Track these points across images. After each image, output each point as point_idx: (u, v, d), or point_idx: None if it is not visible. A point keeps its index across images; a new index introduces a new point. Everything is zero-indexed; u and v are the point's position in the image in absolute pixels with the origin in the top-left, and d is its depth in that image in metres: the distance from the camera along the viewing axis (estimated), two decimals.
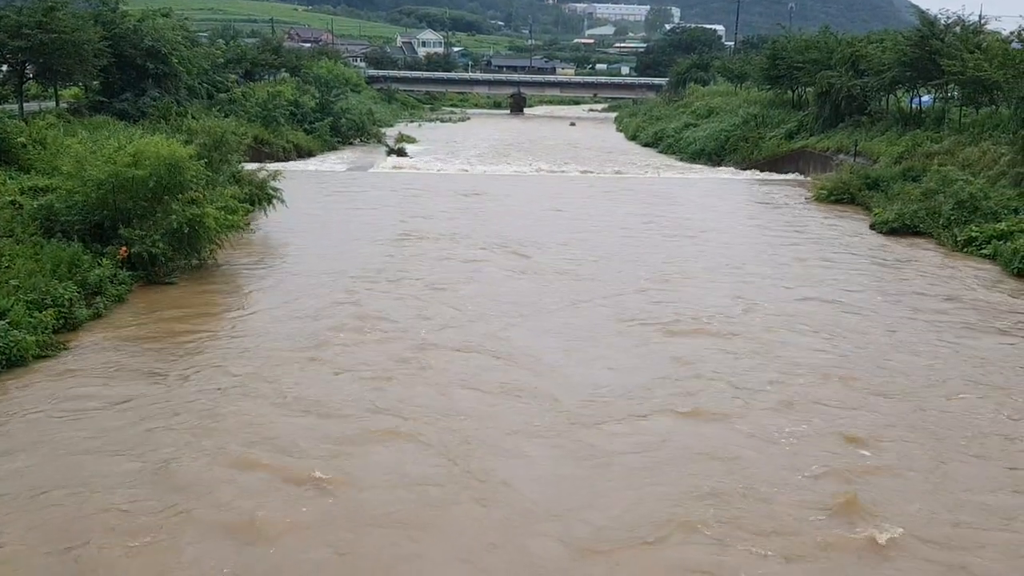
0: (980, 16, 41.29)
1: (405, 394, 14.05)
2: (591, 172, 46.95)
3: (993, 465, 12.05)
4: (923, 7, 60.26)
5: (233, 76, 55.25)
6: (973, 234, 25.30)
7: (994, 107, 36.39)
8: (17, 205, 20.89)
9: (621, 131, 79.54)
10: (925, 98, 43.29)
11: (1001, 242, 23.94)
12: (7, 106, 33.62)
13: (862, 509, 10.64)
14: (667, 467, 11.79)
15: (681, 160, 55.06)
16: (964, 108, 38.42)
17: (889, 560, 9.78)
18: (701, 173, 48.55)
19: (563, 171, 47.39)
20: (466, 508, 10.67)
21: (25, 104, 35.18)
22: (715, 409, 13.75)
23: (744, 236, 28.62)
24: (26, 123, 28.61)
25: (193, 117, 36.10)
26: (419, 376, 14.91)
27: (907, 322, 18.65)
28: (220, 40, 60.60)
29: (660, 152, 60.21)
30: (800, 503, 10.85)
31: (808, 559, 9.74)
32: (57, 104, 37.79)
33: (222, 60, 53.30)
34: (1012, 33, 37.52)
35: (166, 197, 20.58)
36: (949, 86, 39.24)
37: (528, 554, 9.77)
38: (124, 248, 19.83)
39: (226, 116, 41.96)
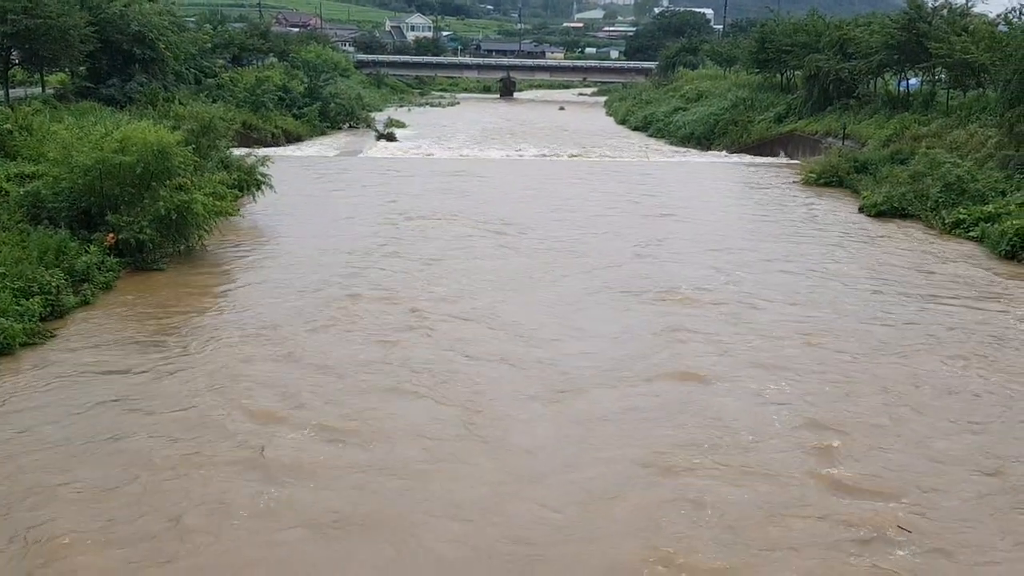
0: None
1: (405, 360, 14.70)
2: (580, 156, 46.90)
3: (958, 419, 12.72)
4: None
5: (221, 61, 54.95)
6: (960, 216, 25.33)
7: (981, 90, 36.48)
8: (3, 192, 20.80)
9: (611, 115, 79.36)
10: (913, 81, 43.36)
11: (988, 224, 23.97)
12: None
13: (834, 451, 11.61)
14: (652, 423, 12.50)
15: (671, 144, 55.01)
16: (951, 91, 38.49)
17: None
18: (690, 156, 48.53)
19: (552, 155, 47.31)
20: (471, 459, 11.39)
21: (11, 90, 35.01)
22: (698, 371, 14.45)
23: (731, 216, 28.77)
24: (12, 109, 28.46)
25: (181, 103, 36.00)
26: (418, 345, 15.54)
27: (888, 296, 19.07)
28: (207, 25, 60.07)
29: (650, 136, 60.13)
30: (776, 447, 11.75)
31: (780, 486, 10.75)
32: (43, 90, 37.59)
33: (209, 45, 52.99)
34: (999, 16, 37.55)
35: (154, 183, 20.47)
36: (936, 69, 39.33)
37: (526, 504, 10.31)
38: (111, 235, 19.74)
39: (214, 102, 41.86)
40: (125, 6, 40.22)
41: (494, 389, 13.69)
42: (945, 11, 39.94)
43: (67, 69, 39.65)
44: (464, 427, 12.35)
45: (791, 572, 9.10)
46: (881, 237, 25.37)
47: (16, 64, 36.83)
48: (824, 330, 16.66)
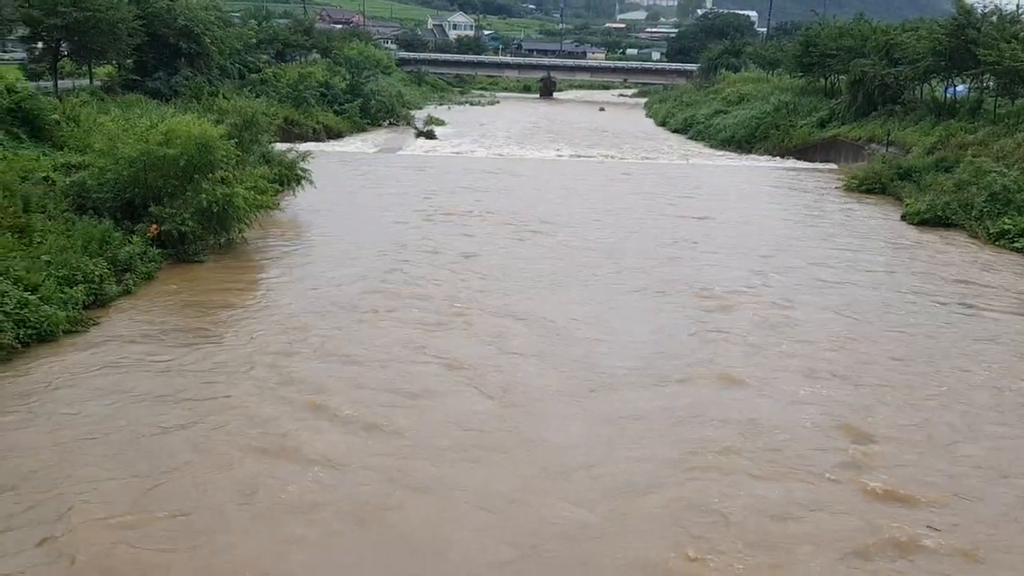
0: (1017, 6, 40.76)
1: (442, 353, 14.93)
2: (620, 157, 46.75)
3: (991, 426, 12.75)
4: None
5: (265, 56, 55.34)
6: (1006, 226, 24.98)
7: None
8: (50, 181, 21.04)
9: (651, 117, 79.10)
10: (960, 88, 42.75)
11: None
12: (41, 83, 33.85)
13: (865, 453, 11.64)
14: (683, 423, 12.58)
15: (711, 147, 54.70)
16: (999, 98, 37.92)
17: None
18: (731, 160, 48.23)
19: (592, 156, 47.19)
20: (504, 452, 11.53)
21: (59, 82, 35.45)
22: (731, 372, 14.51)
23: (770, 221, 28.59)
24: (60, 100, 28.82)
25: (224, 97, 36.27)
26: (454, 339, 15.83)
27: (927, 304, 19.02)
28: (252, 20, 60.41)
29: (690, 138, 59.85)
30: (808, 448, 11.80)
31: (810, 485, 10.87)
32: (91, 82, 38.05)
33: (254, 40, 53.35)
34: None
35: (196, 176, 20.67)
36: (984, 76, 38.77)
37: (556, 499, 10.38)
38: (154, 226, 19.95)
39: (257, 96, 42.12)
40: (172, 1, 40.65)
41: (528, 384, 13.81)
42: (995, 17, 39.39)
43: (114, 62, 40.10)
44: (498, 420, 12.50)
45: (818, 571, 9.10)
46: (923, 245, 25.09)
47: (65, 56, 37.29)
48: (859, 335, 16.63)
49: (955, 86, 42.71)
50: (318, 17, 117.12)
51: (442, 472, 10.91)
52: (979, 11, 40.03)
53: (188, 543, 9.27)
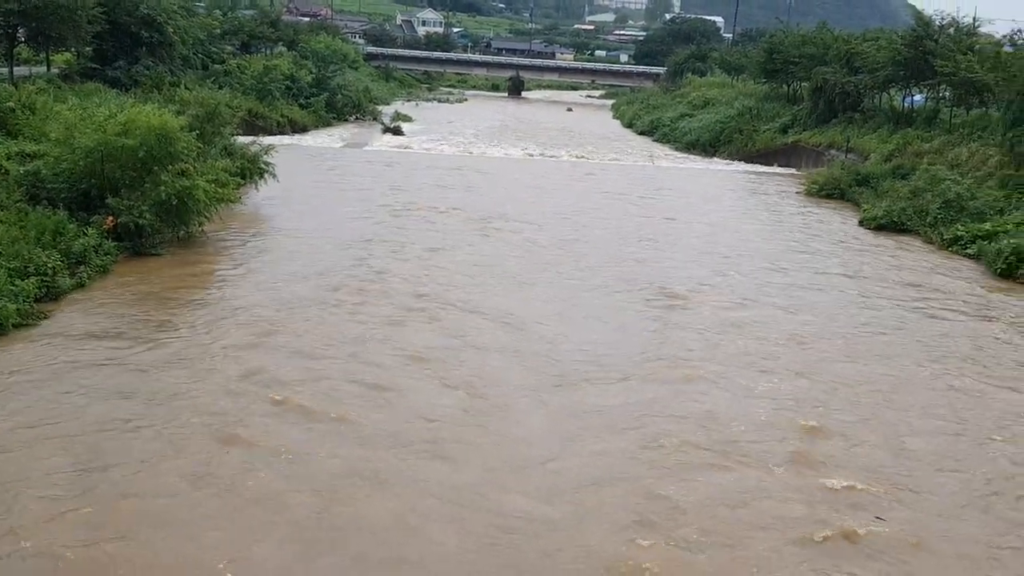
0: (974, 19, 41.35)
1: (407, 346, 15.02)
2: (586, 158, 46.89)
3: (936, 420, 13.20)
4: (919, 7, 60.24)
5: (229, 48, 54.88)
6: (959, 233, 25.35)
7: (984, 109, 36.54)
8: (3, 170, 20.72)
9: (618, 118, 79.37)
10: (917, 97, 43.33)
11: (985, 242, 24.01)
12: None
13: (818, 445, 12.03)
14: (643, 416, 12.77)
15: (676, 149, 55.00)
16: (955, 109, 38.49)
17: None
18: (695, 163, 48.52)
19: (558, 155, 47.30)
20: (468, 444, 11.65)
21: (16, 68, 34.93)
22: (691, 367, 14.87)
23: (731, 222, 28.89)
24: (15, 88, 28.42)
25: (187, 88, 36.01)
26: (419, 332, 15.96)
27: (880, 305, 19.47)
28: (217, 11, 60.04)
29: (655, 141, 60.12)
30: (763, 440, 12.16)
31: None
32: (48, 69, 37.58)
33: (218, 31, 52.98)
34: (1005, 36, 37.70)
35: (156, 168, 20.44)
36: (941, 86, 39.39)
37: (517, 490, 10.54)
38: (111, 218, 19.70)
39: (220, 88, 41.84)
40: None
41: (493, 379, 13.94)
42: (952, 30, 39.97)
43: (73, 49, 39.59)
44: (463, 413, 12.63)
45: (771, 557, 9.34)
46: (879, 249, 25.46)
47: (22, 42, 36.77)
48: (814, 334, 17.03)
49: (913, 96, 43.27)
50: (285, 9, 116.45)
51: (406, 464, 10.98)
52: (937, 23, 40.60)
53: (144, 535, 9.20)
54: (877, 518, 10.14)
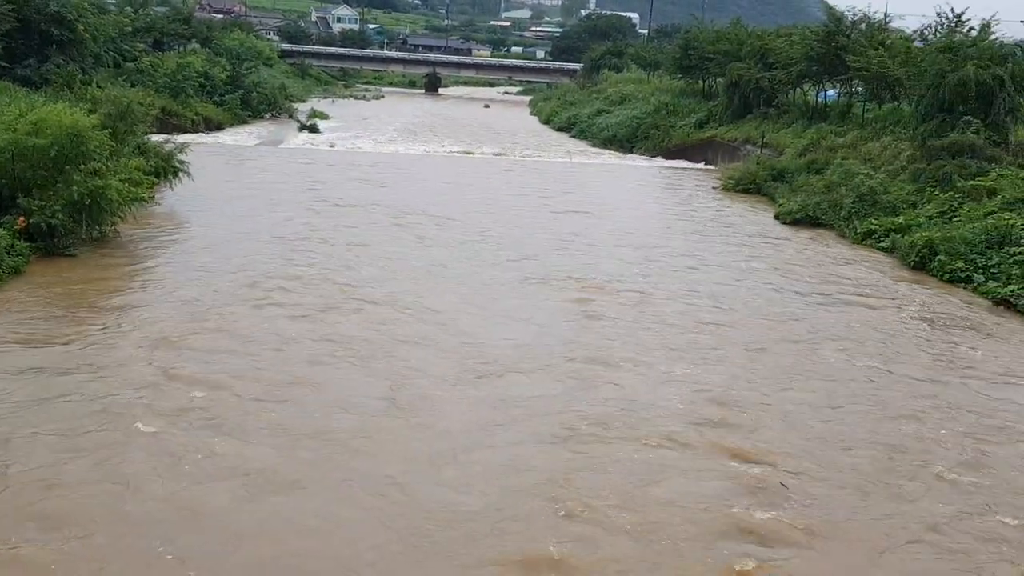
0: (885, 14, 42.42)
1: (328, 340, 14.80)
2: (503, 154, 46.98)
3: (839, 399, 13.81)
4: (831, 3, 61.54)
5: (141, 45, 53.69)
6: (872, 227, 25.93)
7: (896, 103, 37.40)
8: None
9: (535, 115, 79.65)
10: (830, 92, 44.28)
11: (899, 235, 24.58)
12: None
13: (727, 423, 12.57)
14: (563, 402, 13.10)
15: (593, 145, 55.39)
16: (867, 103, 39.37)
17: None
18: (612, 158, 48.92)
19: (476, 152, 47.29)
20: (391, 435, 11.74)
21: None
22: (608, 355, 15.19)
23: (648, 217, 29.33)
24: None
25: (98, 86, 35.15)
26: (339, 325, 15.91)
27: (791, 295, 19.98)
28: (129, 8, 58.57)
29: (573, 137, 60.51)
30: (677, 419, 12.69)
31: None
32: None
33: (130, 28, 51.77)
34: (915, 32, 38.68)
35: (68, 167, 19.94)
36: (854, 82, 40.23)
37: (440, 482, 10.61)
38: (22, 218, 19.18)
39: (133, 86, 40.95)
40: None
41: (415, 371, 13.96)
42: (864, 25, 40.88)
43: None
44: (386, 404, 12.65)
45: (685, 525, 9.79)
46: (792, 243, 25.93)
47: None
48: (726, 321, 17.55)
49: (826, 91, 44.21)
50: (198, 6, 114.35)
51: (327, 455, 10.98)
52: (849, 19, 41.52)
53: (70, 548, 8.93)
54: (781, 484, 10.75)
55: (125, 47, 49.22)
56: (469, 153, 46.76)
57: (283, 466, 10.66)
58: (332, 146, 45.96)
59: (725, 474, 11.04)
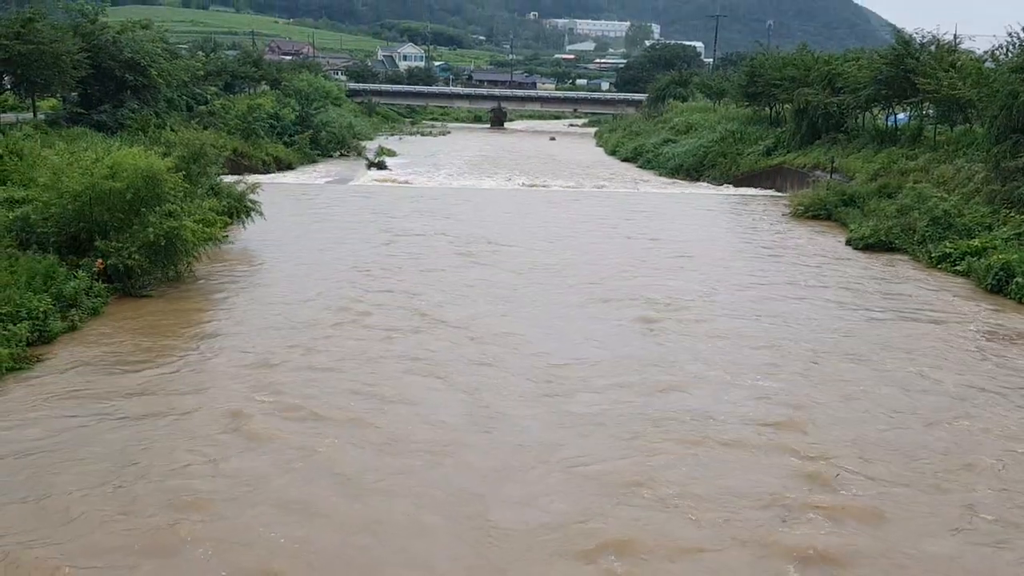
0: (955, 36, 41.77)
1: (409, 361, 16.04)
2: (571, 186, 47.10)
3: (901, 408, 14.65)
4: (899, 26, 60.75)
5: (213, 88, 55.13)
6: (947, 250, 25.49)
7: (968, 125, 36.77)
8: None
9: (601, 146, 79.80)
10: (901, 116, 43.67)
11: (974, 259, 24.13)
12: None
13: (793, 429, 13.51)
14: (635, 419, 13.85)
15: (660, 175, 55.29)
16: (939, 126, 38.79)
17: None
18: (679, 188, 48.75)
19: (543, 184, 47.48)
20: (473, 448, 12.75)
21: (2, 115, 35.02)
22: (677, 374, 16.00)
23: (718, 245, 29.16)
24: (3, 134, 28.48)
25: (172, 129, 36.05)
26: (418, 349, 16.88)
27: (854, 313, 20.40)
28: (200, 52, 60.36)
29: (639, 167, 60.46)
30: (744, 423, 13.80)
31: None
32: (35, 115, 37.64)
33: (202, 72, 53.16)
34: (986, 52, 37.91)
35: (143, 209, 20.48)
36: (924, 104, 39.63)
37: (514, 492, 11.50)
38: (100, 260, 19.73)
39: (205, 128, 41.87)
40: (118, 33, 40.42)
41: (491, 388, 14.87)
42: (933, 47, 40.31)
43: (59, 95, 39.72)
44: (468, 420, 13.64)
45: (755, 510, 10.98)
46: (866, 268, 25.60)
47: (8, 89, 36.88)
48: (790, 336, 18.26)
49: (896, 114, 43.61)
50: (267, 49, 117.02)
51: (419, 462, 12.07)
52: (918, 41, 40.96)
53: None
54: (839, 474, 11.97)
55: (197, 91, 50.55)
56: (534, 185, 46.99)
57: (372, 476, 11.60)
58: (405, 182, 46.48)
59: (787, 470, 12.03)
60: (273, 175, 46.26)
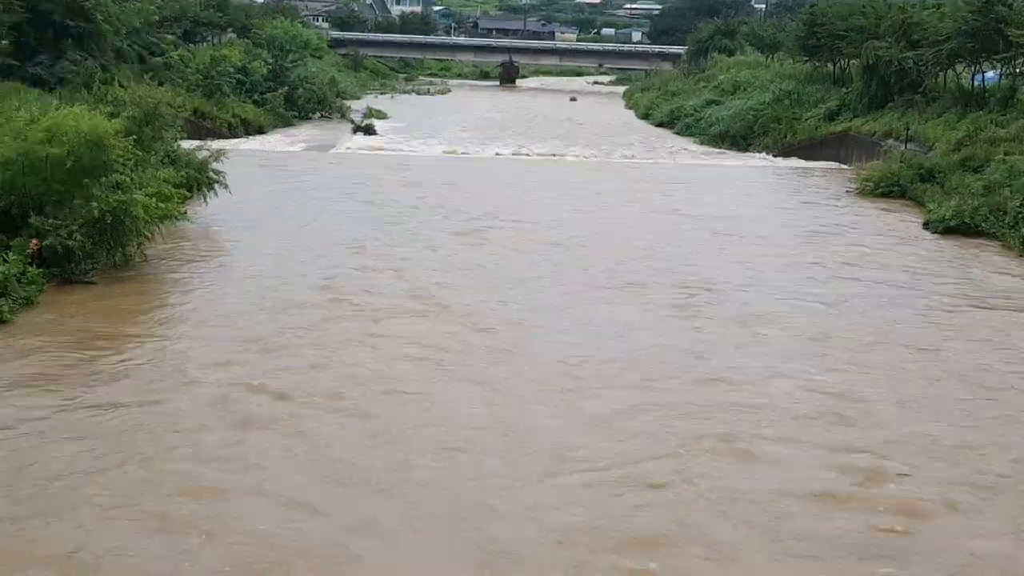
0: None
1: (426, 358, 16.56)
2: (595, 156, 47.06)
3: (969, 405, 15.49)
4: None
5: (170, 37, 55.02)
6: None
7: None
8: None
9: (631, 108, 79.76)
10: (990, 74, 43.41)
11: None
12: None
13: (849, 422, 14.53)
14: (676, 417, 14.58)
15: (702, 143, 55.26)
16: None
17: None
18: (725, 158, 48.66)
19: (562, 154, 47.42)
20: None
21: None
22: (722, 365, 16.82)
23: (769, 228, 28.86)
24: None
25: (121, 85, 35.93)
26: (418, 350, 17.10)
27: (926, 307, 20.72)
28: None
29: (677, 133, 60.43)
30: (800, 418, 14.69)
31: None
32: None
33: (157, 18, 52.97)
34: None
35: (86, 180, 20.43)
36: (1018, 60, 39.36)
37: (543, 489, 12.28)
38: (35, 241, 19.70)
39: (161, 84, 41.75)
40: None
41: (503, 389, 15.37)
42: None
43: None
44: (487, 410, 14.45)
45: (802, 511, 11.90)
46: (946, 256, 25.57)
47: None
48: (852, 328, 18.92)
49: (984, 72, 43.35)
50: None
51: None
52: None
53: None
54: (900, 474, 12.82)
55: (151, 40, 50.43)
56: (557, 156, 46.93)
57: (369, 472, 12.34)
58: (391, 150, 46.41)
59: (837, 467, 12.91)
60: (240, 140, 46.26)
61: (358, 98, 73.18)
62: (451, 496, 11.75)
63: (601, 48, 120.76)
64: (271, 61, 58.47)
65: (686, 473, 12.57)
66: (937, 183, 32.65)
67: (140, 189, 21.49)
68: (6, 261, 18.63)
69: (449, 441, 13.28)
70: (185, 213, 24.51)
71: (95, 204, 19.97)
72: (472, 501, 11.70)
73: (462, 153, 46.56)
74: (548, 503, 11.66)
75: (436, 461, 12.69)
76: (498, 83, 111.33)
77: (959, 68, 44.43)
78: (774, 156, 48.88)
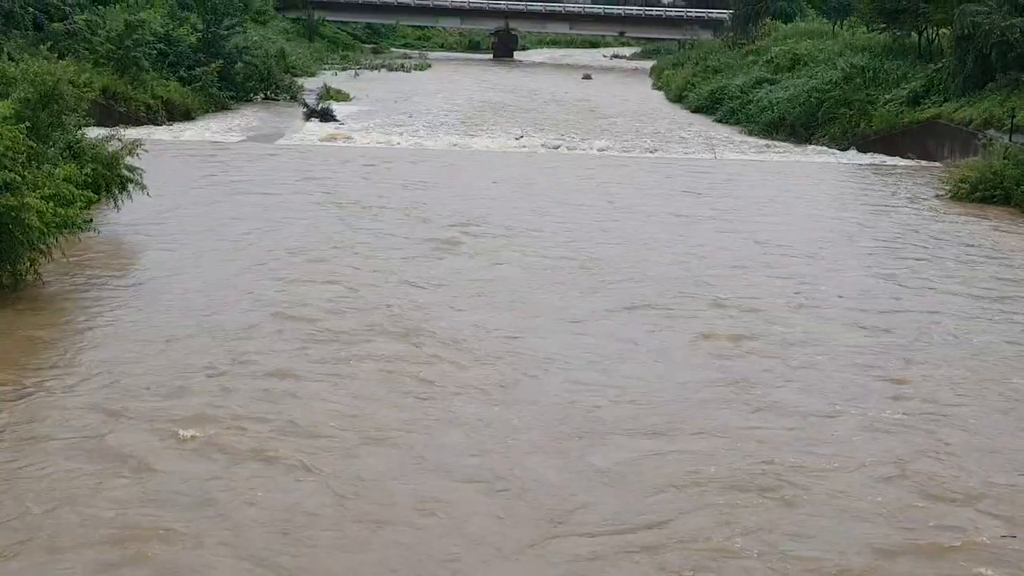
0: None
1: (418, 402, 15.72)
2: (614, 149, 47.17)
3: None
4: None
5: None
6: None
7: None
8: None
9: (660, 88, 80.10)
10: None
11: None
12: None
13: None
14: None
15: (750, 133, 55.38)
16: None
17: None
18: (779, 153, 48.73)
19: (571, 147, 47.56)
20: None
21: None
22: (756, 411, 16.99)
23: (838, 247, 28.52)
24: None
25: (11, 57, 36.05)
26: (397, 385, 17.05)
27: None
28: None
29: (718, 121, 60.62)
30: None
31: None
32: None
33: None
34: None
35: None
36: None
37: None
38: None
39: (62, 57, 41.94)
40: None
41: (499, 436, 15.34)
42: None
43: None
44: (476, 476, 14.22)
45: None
46: None
47: None
48: (925, 358, 19.41)
49: None
50: None
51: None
52: None
53: None
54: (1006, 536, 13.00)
55: (50, 2, 50.51)
56: (564, 149, 47.04)
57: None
58: (355, 142, 46.57)
59: (913, 532, 13.11)
60: (162, 128, 46.48)
61: (313, 75, 73.52)
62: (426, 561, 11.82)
63: (623, 13, 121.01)
64: (201, 27, 58.59)
65: (714, 539, 12.58)
66: None
67: (34, 191, 21.49)
68: None
69: (429, 495, 13.29)
70: (90, 221, 24.53)
71: None
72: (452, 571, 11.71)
73: (449, 145, 46.93)
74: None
75: (414, 518, 12.71)
76: (491, 56, 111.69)
77: None
78: (843, 149, 49.01)
